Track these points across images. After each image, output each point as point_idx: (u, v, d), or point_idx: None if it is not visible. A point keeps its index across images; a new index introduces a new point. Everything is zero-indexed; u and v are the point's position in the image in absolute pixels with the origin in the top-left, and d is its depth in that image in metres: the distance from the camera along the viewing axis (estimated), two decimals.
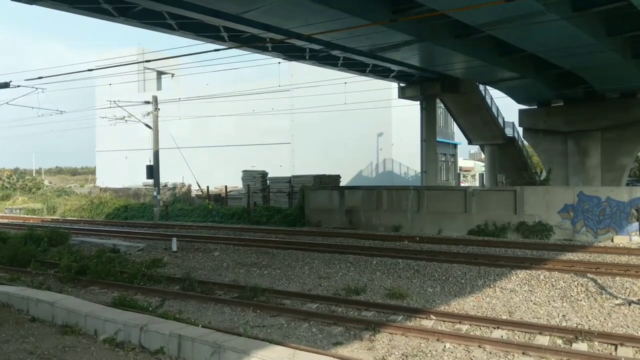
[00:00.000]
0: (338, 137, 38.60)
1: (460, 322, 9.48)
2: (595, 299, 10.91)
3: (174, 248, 17.68)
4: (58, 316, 9.32)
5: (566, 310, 10.30)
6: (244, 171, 32.05)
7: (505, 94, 28.32)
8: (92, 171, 64.72)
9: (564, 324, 9.50)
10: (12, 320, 9.52)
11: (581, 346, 8.24)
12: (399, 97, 30.22)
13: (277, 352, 7.00)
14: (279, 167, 38.10)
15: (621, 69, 20.60)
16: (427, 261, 14.35)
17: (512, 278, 12.48)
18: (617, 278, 11.91)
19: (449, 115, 36.95)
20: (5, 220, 30.59)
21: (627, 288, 11.29)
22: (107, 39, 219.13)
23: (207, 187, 32.48)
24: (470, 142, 36.87)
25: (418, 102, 29.86)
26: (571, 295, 11.19)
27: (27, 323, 9.42)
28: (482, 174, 42.64)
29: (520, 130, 33.16)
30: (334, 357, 7.17)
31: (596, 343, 8.37)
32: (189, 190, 35.88)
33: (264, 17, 15.28)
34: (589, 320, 9.62)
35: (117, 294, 11.67)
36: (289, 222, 25.08)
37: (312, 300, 11.18)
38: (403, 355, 8.06)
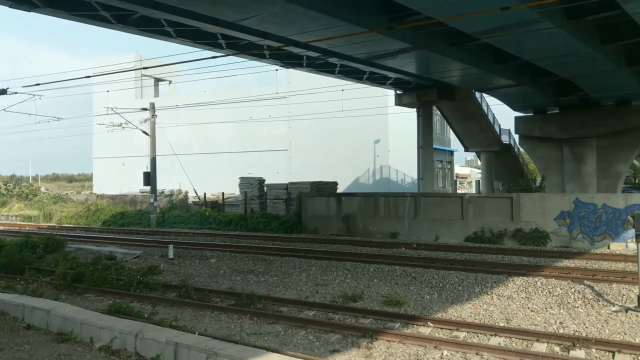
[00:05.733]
0: (335, 144, 38.67)
1: (457, 330, 9.47)
2: (592, 306, 10.92)
3: (171, 255, 17.64)
4: (53, 324, 9.28)
5: (563, 317, 10.30)
6: (241, 178, 32.03)
7: (501, 101, 28.46)
8: (89, 178, 64.56)
9: (561, 331, 9.49)
10: (7, 328, 9.47)
11: (579, 353, 8.24)
12: (396, 104, 30.34)
13: (274, 359, 6.98)
14: (276, 173, 38.08)
15: (616, 76, 20.73)
16: (424, 268, 14.35)
17: (509, 285, 12.50)
18: (614, 285, 11.94)
19: (445, 122, 37.07)
20: (1, 227, 30.46)
21: (623, 295, 11.31)
22: (104, 46, 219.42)
23: (204, 193, 32.44)
24: (466, 149, 36.93)
25: (415, 110, 29.96)
26: (568, 302, 11.21)
27: (23, 331, 9.37)
28: (479, 181, 42.70)
29: (516, 137, 33.24)
30: None
31: (594, 350, 8.37)
32: (185, 197, 35.84)
33: (262, 24, 15.35)
34: (587, 327, 9.61)
35: (113, 301, 11.62)
36: (286, 229, 25.07)
37: (309, 308, 11.15)
38: None
